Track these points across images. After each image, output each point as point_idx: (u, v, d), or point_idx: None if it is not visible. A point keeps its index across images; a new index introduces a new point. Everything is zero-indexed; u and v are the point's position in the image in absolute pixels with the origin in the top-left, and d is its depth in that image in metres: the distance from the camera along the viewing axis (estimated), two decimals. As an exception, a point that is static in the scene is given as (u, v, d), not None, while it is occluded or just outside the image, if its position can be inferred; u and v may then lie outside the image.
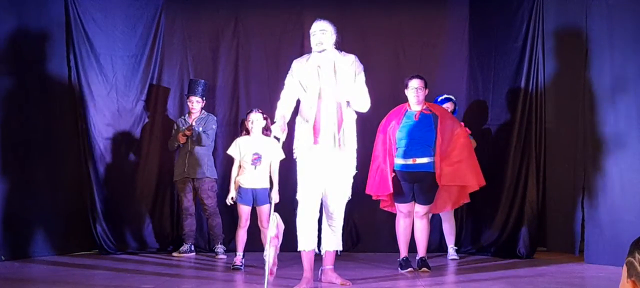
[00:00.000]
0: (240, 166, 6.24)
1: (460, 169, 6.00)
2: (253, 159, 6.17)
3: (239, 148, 6.25)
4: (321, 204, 5.20)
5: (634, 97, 6.02)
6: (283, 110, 5.09)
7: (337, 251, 5.35)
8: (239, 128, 6.59)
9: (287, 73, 7.62)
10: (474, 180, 6.08)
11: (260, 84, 7.64)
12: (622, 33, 6.09)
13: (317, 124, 5.06)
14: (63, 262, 6.56)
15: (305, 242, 5.14)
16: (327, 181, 5.11)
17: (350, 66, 5.10)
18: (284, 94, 5.16)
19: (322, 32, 5.10)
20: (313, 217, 5.11)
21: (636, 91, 6.01)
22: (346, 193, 5.19)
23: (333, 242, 5.29)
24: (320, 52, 5.09)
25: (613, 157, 6.13)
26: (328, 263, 5.32)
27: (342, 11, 7.58)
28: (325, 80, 5.06)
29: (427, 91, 6.17)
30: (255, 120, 6.24)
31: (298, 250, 5.19)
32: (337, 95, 5.05)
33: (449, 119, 6.11)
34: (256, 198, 6.17)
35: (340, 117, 5.07)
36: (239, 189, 6.18)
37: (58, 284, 5.43)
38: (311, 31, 5.15)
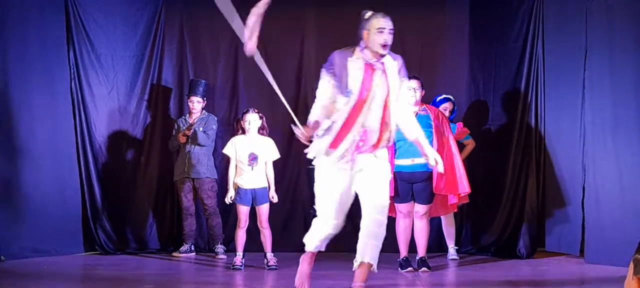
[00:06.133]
0: (236, 166, 6.24)
1: (449, 178, 6.04)
2: (249, 160, 6.16)
3: (234, 148, 6.25)
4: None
5: (634, 97, 6.02)
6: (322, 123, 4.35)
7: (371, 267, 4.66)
8: (234, 127, 6.58)
9: (287, 73, 7.69)
10: (456, 189, 6.11)
11: (260, 84, 7.61)
12: (622, 33, 6.09)
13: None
14: (63, 262, 6.56)
15: (318, 246, 4.63)
16: (367, 191, 4.50)
17: (397, 71, 4.48)
18: (323, 98, 4.42)
19: (391, 33, 4.38)
20: (336, 230, 4.55)
21: (636, 91, 6.01)
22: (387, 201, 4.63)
23: (372, 253, 4.57)
24: (384, 55, 4.40)
25: (613, 157, 6.13)
26: (361, 280, 4.65)
27: (342, 11, 7.58)
28: (377, 83, 4.40)
29: (423, 92, 6.17)
30: (252, 120, 6.24)
31: (306, 250, 4.66)
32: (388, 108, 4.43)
33: (441, 124, 6.10)
34: (255, 198, 6.17)
35: (383, 124, 4.43)
36: (239, 190, 6.18)
37: (58, 283, 5.43)
38: (377, 26, 4.35)
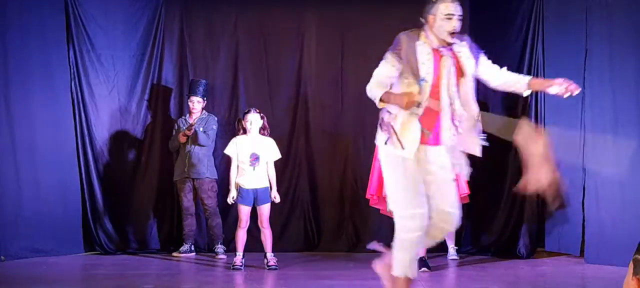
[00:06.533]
0: (238, 166, 6.23)
1: None
2: (251, 160, 6.16)
3: (236, 148, 6.24)
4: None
5: (634, 97, 6.02)
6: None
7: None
8: (235, 127, 6.58)
9: (287, 73, 7.70)
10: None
11: (260, 84, 7.64)
12: (622, 33, 6.09)
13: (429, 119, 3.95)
14: (63, 262, 6.56)
15: (414, 268, 4.03)
16: (433, 194, 4.04)
17: (468, 54, 4.07)
18: (380, 75, 3.91)
19: (459, 19, 3.94)
20: (422, 222, 3.94)
21: (636, 91, 6.01)
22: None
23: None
24: (451, 44, 3.97)
25: (613, 157, 6.13)
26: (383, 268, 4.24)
27: (342, 11, 7.58)
28: (445, 70, 3.95)
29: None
30: (254, 120, 6.23)
31: (395, 274, 4.01)
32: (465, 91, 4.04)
33: None
34: (257, 198, 6.17)
35: (451, 112, 4.00)
36: (240, 190, 6.17)
37: (58, 284, 5.44)
38: (445, 12, 3.88)
